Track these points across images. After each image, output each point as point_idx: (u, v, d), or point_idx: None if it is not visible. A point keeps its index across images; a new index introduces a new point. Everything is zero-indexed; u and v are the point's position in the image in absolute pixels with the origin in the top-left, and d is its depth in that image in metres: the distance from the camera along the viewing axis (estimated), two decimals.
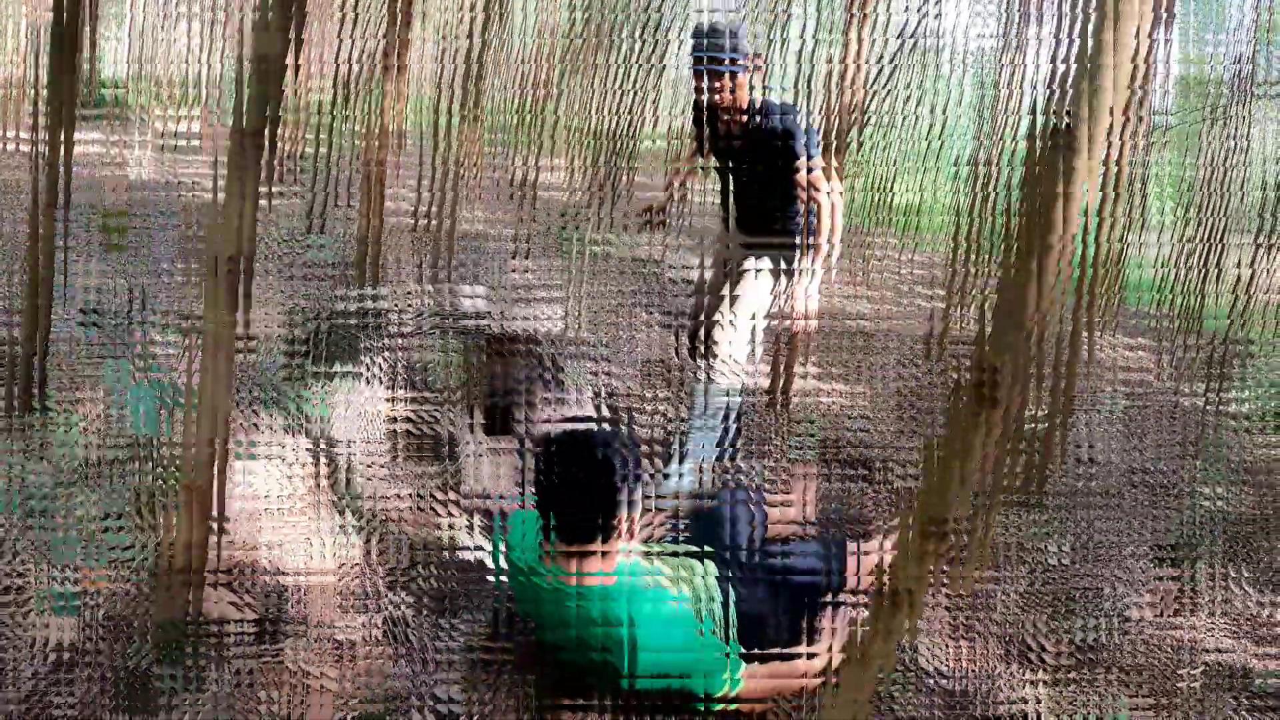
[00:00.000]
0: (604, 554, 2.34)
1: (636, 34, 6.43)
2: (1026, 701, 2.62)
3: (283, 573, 2.61)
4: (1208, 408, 4.97)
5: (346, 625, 2.50)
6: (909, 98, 5.73)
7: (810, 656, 2.48)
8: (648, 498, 2.42)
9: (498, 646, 2.49)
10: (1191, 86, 6.00)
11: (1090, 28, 1.38)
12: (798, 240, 3.67)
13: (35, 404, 3.61)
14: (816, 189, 3.59)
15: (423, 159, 5.59)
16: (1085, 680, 2.73)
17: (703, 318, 3.80)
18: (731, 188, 3.77)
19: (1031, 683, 2.70)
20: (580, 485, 2.31)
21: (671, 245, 6.40)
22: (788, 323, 3.87)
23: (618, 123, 6.66)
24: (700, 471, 3.73)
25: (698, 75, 3.62)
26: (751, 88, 3.63)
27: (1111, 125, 1.41)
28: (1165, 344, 5.88)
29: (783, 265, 3.70)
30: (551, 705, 2.33)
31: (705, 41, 3.58)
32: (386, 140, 5.10)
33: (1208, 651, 2.93)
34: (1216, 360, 5.45)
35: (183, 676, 2.18)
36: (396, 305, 4.84)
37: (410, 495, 3.18)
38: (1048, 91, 1.51)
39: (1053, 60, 1.51)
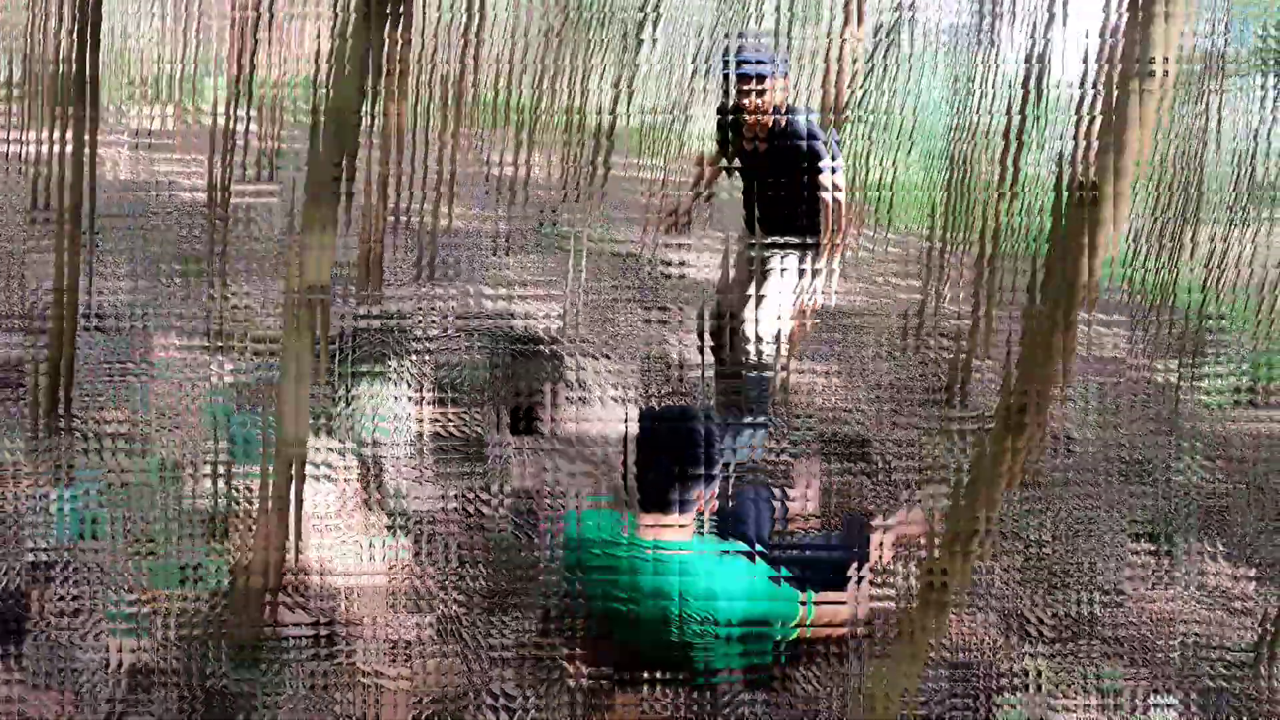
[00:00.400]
0: (682, 526, 2.58)
1: (619, 30, 6.54)
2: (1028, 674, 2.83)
3: (340, 577, 2.76)
4: (1181, 384, 5.19)
5: (406, 626, 2.65)
6: (894, 91, 5.89)
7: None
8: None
9: (565, 637, 2.67)
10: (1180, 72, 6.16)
11: (1113, 127, 1.55)
12: (815, 239, 3.88)
13: (61, 423, 3.62)
14: (838, 189, 3.83)
15: (415, 157, 5.68)
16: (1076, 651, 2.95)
17: (728, 315, 3.99)
18: (755, 189, 3.97)
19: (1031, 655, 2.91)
20: (679, 458, 2.52)
21: (660, 238, 6.53)
22: (805, 318, 4.07)
23: (600, 121, 6.78)
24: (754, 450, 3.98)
25: (729, 80, 3.83)
26: (778, 93, 3.85)
27: (1136, 180, 1.58)
28: (1138, 321, 6.08)
29: (804, 263, 3.91)
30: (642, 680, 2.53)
31: (737, 47, 3.79)
32: (389, 140, 5.20)
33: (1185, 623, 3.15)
34: (1188, 338, 5.67)
35: (260, 686, 2.32)
36: (420, 308, 4.96)
37: (454, 496, 3.33)
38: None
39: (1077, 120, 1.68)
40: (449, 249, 6.18)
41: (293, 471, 2.23)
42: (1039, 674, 2.85)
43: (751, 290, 3.96)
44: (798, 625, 2.65)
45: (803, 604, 2.65)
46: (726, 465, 2.63)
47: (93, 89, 3.60)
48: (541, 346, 4.20)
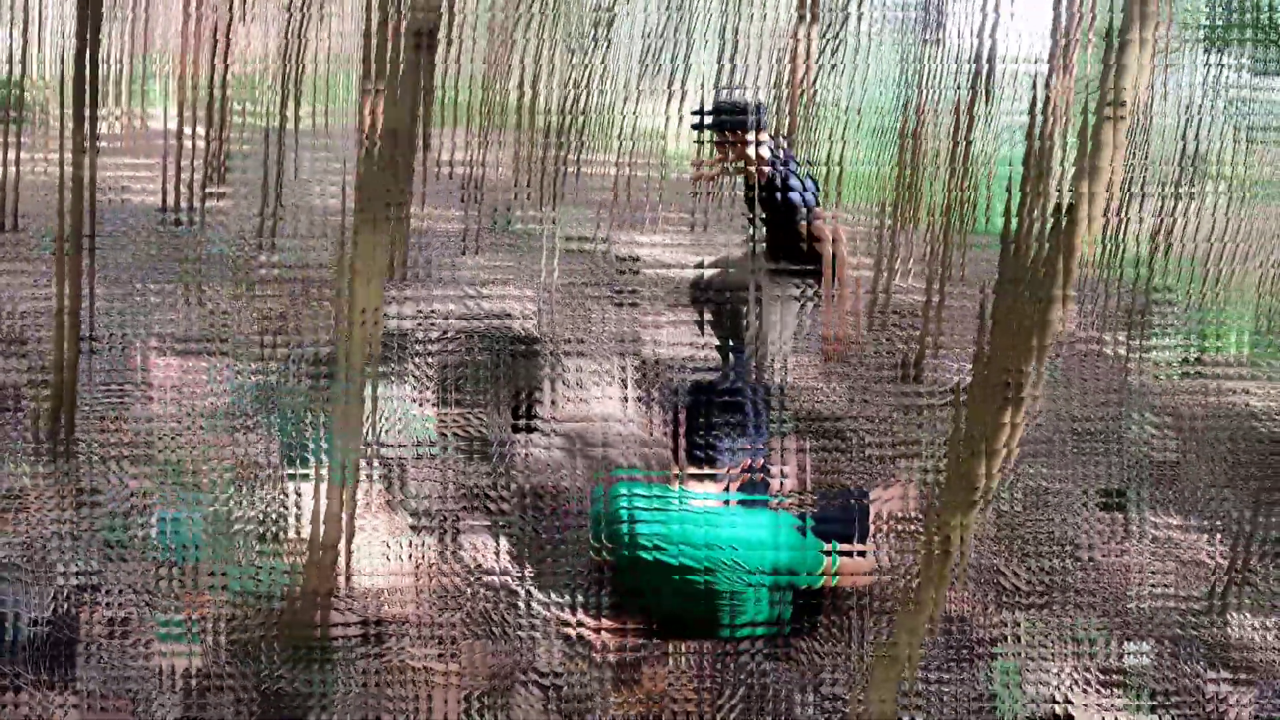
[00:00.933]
0: (725, 479, 2.83)
1: (583, 31, 6.66)
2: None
3: (375, 578, 2.92)
4: (1129, 355, 5.45)
5: (447, 619, 2.82)
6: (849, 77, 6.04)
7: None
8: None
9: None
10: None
11: (1087, 152, 1.76)
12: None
13: (64, 446, 3.63)
14: (819, 239, 3.85)
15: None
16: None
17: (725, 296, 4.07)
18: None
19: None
20: (726, 417, 2.78)
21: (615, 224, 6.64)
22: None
23: (560, 120, 6.90)
24: None
25: (719, 146, 3.86)
26: (763, 159, 3.87)
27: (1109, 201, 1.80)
28: (1085, 293, 6.33)
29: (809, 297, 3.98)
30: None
31: (723, 119, 3.81)
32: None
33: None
34: (1135, 309, 5.94)
35: (318, 685, 2.48)
36: (421, 311, 5.06)
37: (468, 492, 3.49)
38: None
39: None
40: (414, 249, 6.25)
41: (349, 479, 2.38)
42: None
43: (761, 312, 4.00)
44: (824, 574, 2.91)
45: (827, 554, 2.92)
46: (768, 426, 2.90)
47: (92, 95, 3.49)
48: (534, 346, 4.36)
